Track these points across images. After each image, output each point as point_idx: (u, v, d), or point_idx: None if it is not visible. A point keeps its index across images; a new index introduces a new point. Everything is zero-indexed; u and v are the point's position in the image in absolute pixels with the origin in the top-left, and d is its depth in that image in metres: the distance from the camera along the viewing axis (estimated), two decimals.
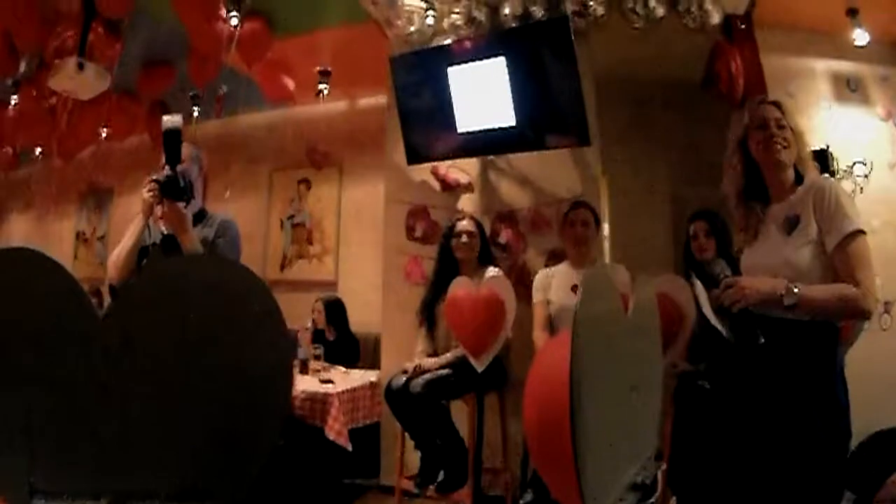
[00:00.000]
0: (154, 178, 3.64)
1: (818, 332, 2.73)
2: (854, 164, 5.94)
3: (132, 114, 8.43)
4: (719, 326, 3.04)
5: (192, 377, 1.41)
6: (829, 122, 6.03)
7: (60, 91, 6.46)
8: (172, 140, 3.62)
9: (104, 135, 8.89)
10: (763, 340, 2.74)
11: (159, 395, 1.41)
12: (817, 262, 2.74)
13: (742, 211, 3.13)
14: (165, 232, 3.76)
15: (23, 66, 7.20)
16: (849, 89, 6.17)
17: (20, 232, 12.36)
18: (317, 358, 6.21)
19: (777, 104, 3.04)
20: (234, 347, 1.45)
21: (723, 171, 3.20)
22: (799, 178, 2.95)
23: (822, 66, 6.20)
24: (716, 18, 5.73)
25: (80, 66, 6.00)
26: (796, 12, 5.82)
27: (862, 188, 5.95)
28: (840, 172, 5.90)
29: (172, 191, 3.62)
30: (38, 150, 9.91)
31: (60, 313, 1.40)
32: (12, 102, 7.99)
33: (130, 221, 3.85)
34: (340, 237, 8.70)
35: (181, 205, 3.67)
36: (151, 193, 3.61)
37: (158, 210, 3.70)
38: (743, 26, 5.88)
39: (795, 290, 2.64)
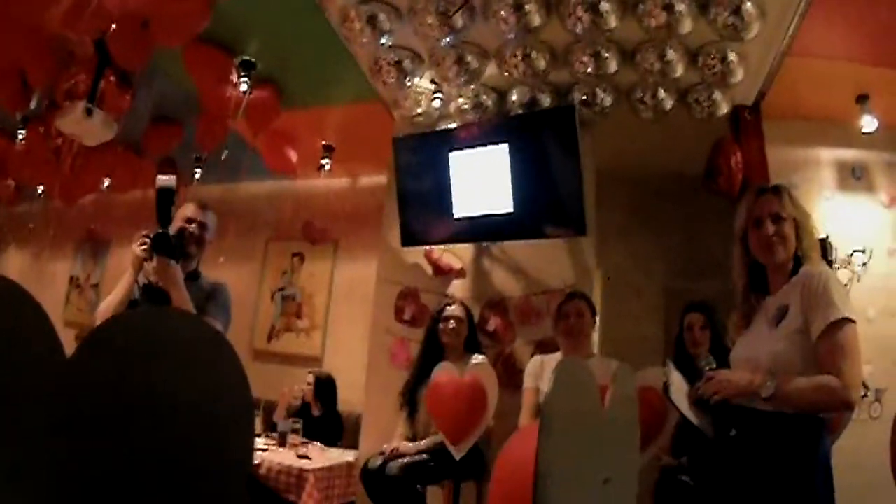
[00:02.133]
0: (145, 233, 3.69)
1: (799, 423, 2.67)
2: (853, 252, 5.91)
3: (136, 167, 8.43)
4: (693, 419, 2.99)
5: (152, 431, 1.34)
6: (829, 212, 6.03)
7: (67, 134, 6.44)
8: (165, 199, 3.66)
9: (106, 184, 8.94)
10: (734, 433, 2.73)
11: (117, 446, 1.34)
12: (800, 353, 2.69)
13: (743, 304, 3.10)
14: (148, 281, 3.79)
15: (33, 104, 7.20)
16: (853, 177, 6.15)
17: (15, 267, 12.32)
18: (295, 432, 6.12)
19: (778, 191, 3.00)
20: (195, 405, 1.39)
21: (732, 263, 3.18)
22: (797, 269, 2.90)
23: (828, 154, 6.20)
24: (724, 109, 5.76)
25: (89, 112, 5.96)
26: (804, 102, 5.83)
27: (860, 277, 5.91)
28: (838, 262, 5.88)
29: (164, 247, 3.64)
30: (41, 189, 9.89)
31: (27, 347, 1.33)
32: (19, 137, 8.03)
33: (125, 274, 3.86)
34: (330, 314, 8.64)
35: (172, 262, 3.67)
36: (142, 248, 3.67)
37: (148, 266, 3.75)
38: (750, 117, 5.90)
39: (771, 383, 2.63)
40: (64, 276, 11.51)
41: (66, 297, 11.35)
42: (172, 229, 3.75)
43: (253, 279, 9.18)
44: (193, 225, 4.02)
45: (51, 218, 10.49)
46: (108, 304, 3.76)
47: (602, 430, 2.14)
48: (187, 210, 4.00)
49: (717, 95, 5.67)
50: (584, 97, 5.78)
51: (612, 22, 4.89)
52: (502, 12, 4.91)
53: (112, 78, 6.41)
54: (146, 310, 3.27)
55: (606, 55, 5.33)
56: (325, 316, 8.67)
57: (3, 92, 6.93)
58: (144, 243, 3.67)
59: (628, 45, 5.31)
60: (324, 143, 7.76)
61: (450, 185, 5.96)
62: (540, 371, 4.97)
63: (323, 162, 7.86)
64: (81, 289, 11.32)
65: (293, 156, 7.67)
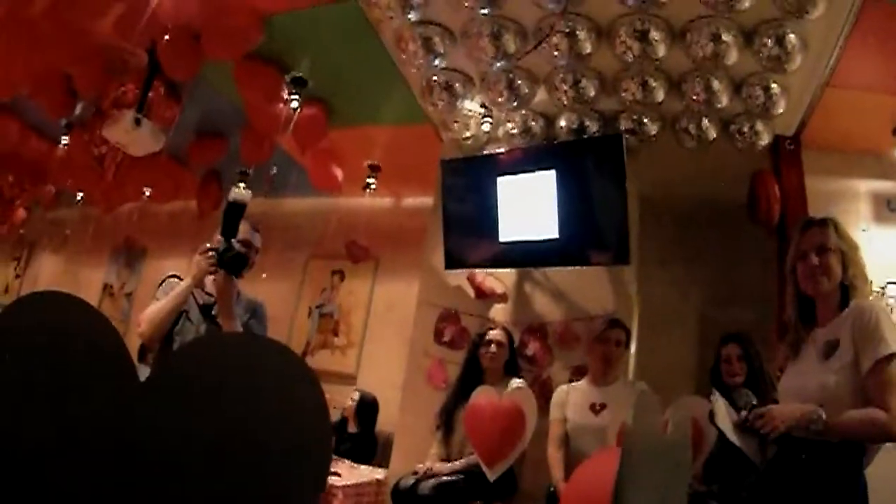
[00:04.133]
0: (212, 247, 3.63)
1: (842, 451, 2.69)
2: (887, 284, 5.86)
3: (179, 178, 8.51)
4: (742, 446, 3.00)
5: (228, 459, 1.31)
6: (865, 243, 5.95)
7: (113, 142, 6.48)
8: (235, 213, 3.63)
9: (147, 194, 8.99)
10: (804, 456, 2.74)
11: (189, 473, 1.30)
12: (850, 387, 2.70)
13: (792, 335, 3.10)
14: (202, 302, 3.78)
15: (78, 110, 7.29)
16: (889, 209, 6.10)
17: (49, 272, 12.45)
18: None
19: (824, 223, 3.02)
20: (275, 432, 1.35)
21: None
22: (845, 301, 2.91)
23: (864, 185, 6.11)
24: (765, 140, 5.77)
25: (137, 122, 6.02)
26: (843, 133, 5.80)
27: (893, 308, 5.85)
28: (872, 294, 5.82)
29: (233, 265, 3.63)
30: (79, 195, 9.96)
31: (99, 368, 1.31)
32: (62, 143, 8.08)
33: (160, 283, 3.89)
34: (367, 333, 8.68)
35: (235, 279, 3.67)
36: (210, 262, 3.61)
37: (208, 280, 3.75)
38: (791, 148, 5.90)
39: (822, 417, 2.64)
40: (97, 283, 11.56)
41: (98, 304, 11.35)
42: (236, 247, 3.69)
43: (291, 294, 9.22)
44: (247, 248, 3.93)
45: (88, 224, 10.58)
46: (159, 310, 3.67)
47: (663, 458, 2.15)
48: (241, 230, 3.83)
49: (760, 126, 5.69)
50: (631, 125, 5.83)
51: (661, 51, 4.94)
52: (554, 39, 4.95)
53: (161, 89, 6.49)
54: (227, 334, 3.26)
55: (654, 84, 5.37)
56: (361, 334, 8.71)
57: (47, 97, 7.01)
58: (212, 256, 3.61)
59: (675, 75, 5.35)
60: (370, 162, 7.79)
61: (496, 209, 5.97)
62: (566, 400, 5.00)
63: (368, 181, 7.89)
64: (114, 297, 11.40)
65: (339, 174, 7.70)
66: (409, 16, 4.99)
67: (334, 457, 6.17)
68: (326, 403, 1.39)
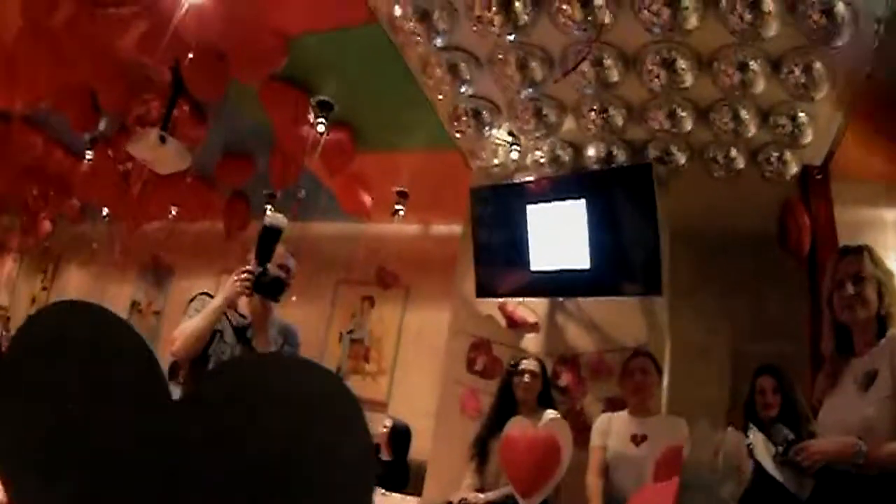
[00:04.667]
0: (249, 269, 3.64)
1: (884, 484, 2.65)
2: None
3: (206, 199, 8.51)
4: (781, 479, 3.00)
5: (266, 485, 1.23)
6: None
7: (139, 159, 6.51)
8: (271, 238, 3.64)
9: (174, 213, 9.05)
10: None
11: (224, 497, 1.24)
12: (891, 418, 2.68)
13: (830, 365, 3.09)
14: (236, 324, 3.81)
15: (102, 125, 7.33)
16: None
17: (76, 286, 12.57)
18: None
19: (859, 251, 3.00)
20: (319, 458, 1.25)
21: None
22: (882, 330, 2.88)
23: (893, 216, 6.07)
24: (793, 169, 5.74)
25: (163, 140, 6.04)
26: (871, 163, 5.73)
27: None
28: None
29: (271, 289, 3.66)
30: (105, 211, 10.01)
31: (130, 381, 1.28)
32: (86, 158, 8.11)
33: (191, 300, 3.89)
34: (398, 360, 8.69)
35: (272, 304, 3.71)
36: (244, 284, 3.62)
37: (242, 301, 3.78)
38: (819, 176, 5.87)
39: (864, 450, 2.62)
40: (125, 301, 11.62)
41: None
42: (272, 270, 3.71)
43: (321, 320, 9.24)
44: (285, 273, 3.92)
45: (115, 240, 10.62)
46: (191, 328, 3.68)
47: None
48: (278, 255, 3.85)
49: (788, 155, 5.66)
50: (659, 154, 5.81)
51: (689, 80, 4.92)
52: (582, 67, 4.93)
53: (185, 108, 6.50)
54: (267, 354, 3.27)
55: (681, 113, 5.35)
56: (392, 361, 8.73)
57: (72, 111, 7.03)
58: (247, 280, 3.63)
59: (703, 104, 5.32)
60: (398, 189, 7.80)
61: (527, 238, 5.96)
62: (608, 428, 4.97)
63: (397, 207, 7.89)
64: (143, 314, 11.47)
65: (367, 199, 7.72)
66: (436, 41, 4.97)
67: None
68: (369, 429, 1.32)
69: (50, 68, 6.10)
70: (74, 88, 6.68)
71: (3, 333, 11.33)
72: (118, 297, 11.62)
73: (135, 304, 11.62)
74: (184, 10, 5.12)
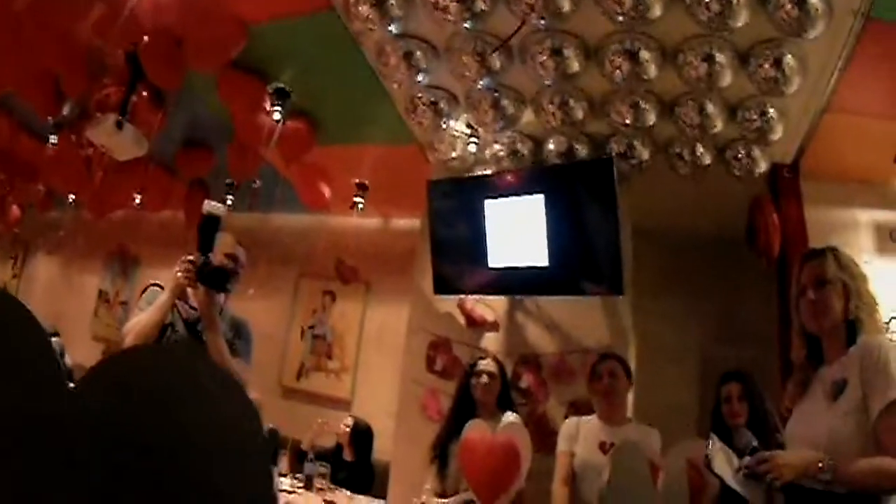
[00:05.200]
0: (190, 259, 3.61)
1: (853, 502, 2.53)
2: (890, 319, 5.67)
3: (167, 188, 8.40)
4: (742, 491, 2.85)
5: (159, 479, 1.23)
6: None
7: (98, 144, 6.39)
8: (210, 227, 3.63)
9: (137, 202, 8.88)
10: None
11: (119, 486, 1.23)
12: (859, 431, 2.55)
13: (799, 373, 2.96)
14: (186, 317, 3.78)
15: (66, 110, 7.20)
16: (891, 240, 5.91)
17: (45, 274, 12.53)
18: (322, 476, 5.93)
19: (822, 254, 2.88)
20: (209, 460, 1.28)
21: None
22: (853, 337, 2.74)
23: (866, 217, 5.91)
24: (762, 167, 5.56)
25: (119, 126, 5.91)
26: (843, 162, 5.61)
27: None
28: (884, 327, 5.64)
29: (214, 279, 3.61)
30: (71, 197, 9.80)
31: (27, 375, 1.25)
32: (50, 142, 7.93)
33: (142, 291, 3.99)
34: (360, 357, 8.51)
35: (218, 294, 3.68)
36: (186, 275, 3.59)
37: (190, 293, 3.73)
38: (789, 175, 5.71)
39: (830, 466, 2.49)
40: (93, 289, 11.56)
41: (94, 311, 11.37)
42: (215, 261, 3.67)
43: (283, 314, 9.07)
44: (231, 262, 3.90)
45: (81, 228, 10.49)
46: (142, 324, 3.63)
47: None
48: (226, 245, 3.86)
49: (756, 152, 5.49)
50: (622, 149, 5.64)
51: (652, 71, 4.75)
52: (540, 56, 4.79)
53: (144, 94, 6.35)
54: (156, 348, 3.06)
55: (645, 106, 5.18)
56: (355, 358, 8.54)
57: (36, 96, 6.95)
58: (189, 270, 3.58)
59: (667, 97, 5.16)
60: (357, 181, 7.60)
61: (485, 233, 5.82)
62: (576, 434, 4.81)
63: (356, 200, 7.68)
64: (110, 304, 11.35)
65: (326, 191, 7.55)
66: (390, 28, 4.83)
67: (332, 486, 6.01)
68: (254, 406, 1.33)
69: (12, 54, 6.04)
70: (38, 74, 6.57)
71: None
72: (86, 285, 11.58)
73: (102, 294, 11.48)
74: None
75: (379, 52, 5.18)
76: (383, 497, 6.09)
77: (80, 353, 8.74)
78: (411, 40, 5.02)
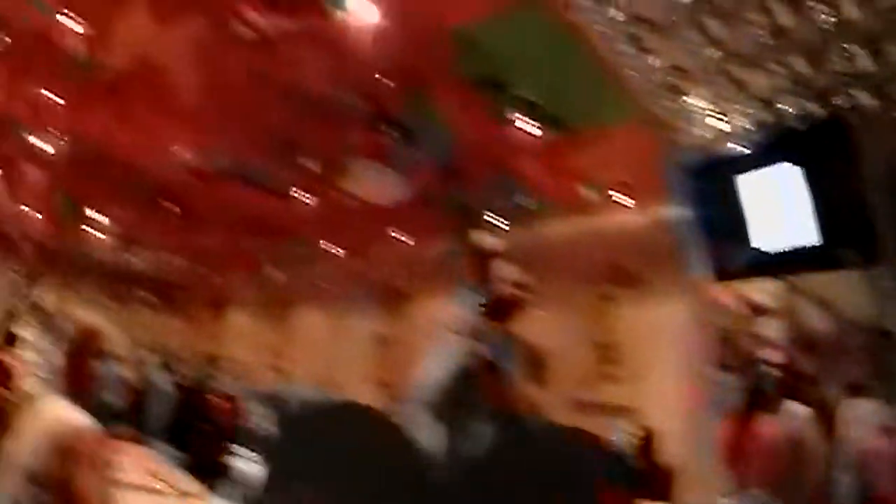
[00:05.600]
0: (473, 295, 3.69)
1: None
2: None
3: (427, 220, 8.54)
4: None
5: None
6: None
7: (356, 192, 6.59)
8: (484, 258, 3.72)
9: (400, 238, 9.17)
10: None
11: None
12: None
13: None
14: (481, 355, 3.70)
15: (310, 165, 7.42)
16: None
17: (315, 326, 13.12)
18: None
19: None
20: None
21: None
22: None
23: None
24: None
25: (374, 171, 6.18)
26: None
27: None
28: None
29: (501, 311, 3.69)
30: (332, 248, 10.24)
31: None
32: (302, 199, 8.27)
33: (428, 329, 4.17)
34: (644, 361, 8.22)
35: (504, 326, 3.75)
36: (473, 312, 3.65)
37: (479, 328, 3.71)
38: None
39: None
40: (365, 332, 11.78)
41: (369, 353, 11.63)
42: (498, 291, 3.71)
43: (562, 325, 8.80)
44: (518, 290, 3.92)
45: (344, 274, 10.83)
46: (438, 373, 3.62)
47: None
48: (505, 272, 3.86)
49: None
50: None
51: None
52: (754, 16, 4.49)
53: (390, 134, 6.49)
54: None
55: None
56: (640, 363, 8.27)
57: (272, 155, 7.24)
58: (475, 307, 3.64)
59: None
60: (613, 177, 7.42)
61: (743, 211, 5.42)
62: (856, 417, 4.67)
63: (615, 196, 7.51)
64: (386, 345, 11.51)
65: (583, 192, 7.46)
66: (612, 15, 4.72)
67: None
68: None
69: (243, 120, 6.37)
70: (272, 134, 6.84)
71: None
72: (355, 329, 11.84)
73: (376, 336, 11.72)
74: (356, 33, 5.20)
75: (606, 40, 5.07)
76: (671, 500, 6.23)
77: (362, 399, 8.96)
78: (635, 23, 4.84)
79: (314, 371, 11.68)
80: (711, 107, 5.56)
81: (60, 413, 2.67)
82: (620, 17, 4.74)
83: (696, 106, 5.61)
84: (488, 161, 6.61)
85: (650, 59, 5.09)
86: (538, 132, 6.24)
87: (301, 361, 12.86)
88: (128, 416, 8.75)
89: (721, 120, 5.63)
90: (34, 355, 7.16)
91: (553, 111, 6.22)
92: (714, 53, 4.93)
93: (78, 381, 7.64)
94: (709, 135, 5.83)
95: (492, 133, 6.10)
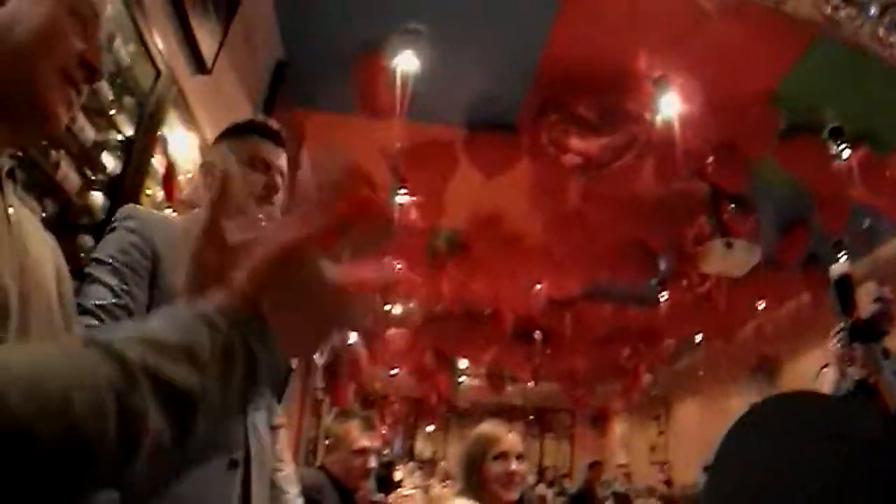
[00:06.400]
0: (840, 327, 3.63)
1: None
2: None
3: (782, 280, 8.33)
4: None
5: None
6: None
7: (714, 273, 6.78)
8: (842, 287, 3.61)
9: (762, 307, 9.03)
10: None
11: None
12: None
13: None
14: (857, 377, 3.68)
15: (662, 265, 7.70)
16: None
17: (690, 417, 12.99)
18: None
19: None
20: None
21: None
22: None
23: None
24: None
25: (728, 246, 6.29)
26: None
27: None
28: None
29: (867, 332, 3.58)
30: (698, 337, 10.32)
31: None
32: (662, 300, 8.50)
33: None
34: None
35: (873, 345, 3.57)
36: (838, 342, 3.63)
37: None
38: None
39: None
40: (739, 408, 11.46)
41: None
42: (864, 312, 3.60)
43: None
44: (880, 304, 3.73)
45: (716, 359, 10.91)
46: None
47: None
48: (868, 292, 3.71)
49: None
50: None
51: None
52: None
53: (730, 207, 6.63)
54: None
55: None
56: None
57: (632, 269, 7.52)
58: (840, 337, 3.61)
59: None
60: None
61: None
62: None
63: None
64: None
65: None
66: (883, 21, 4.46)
67: None
68: None
69: (586, 242, 6.72)
70: (623, 249, 7.18)
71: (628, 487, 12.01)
72: (732, 409, 11.70)
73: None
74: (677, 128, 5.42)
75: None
76: None
77: None
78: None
79: (691, 459, 11.68)
80: None
81: None
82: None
83: None
84: (842, 200, 6.55)
85: None
86: (866, 156, 6.13)
87: (679, 451, 12.87)
88: None
89: None
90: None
91: (870, 133, 6.16)
92: None
93: None
94: None
95: (835, 171, 6.00)
